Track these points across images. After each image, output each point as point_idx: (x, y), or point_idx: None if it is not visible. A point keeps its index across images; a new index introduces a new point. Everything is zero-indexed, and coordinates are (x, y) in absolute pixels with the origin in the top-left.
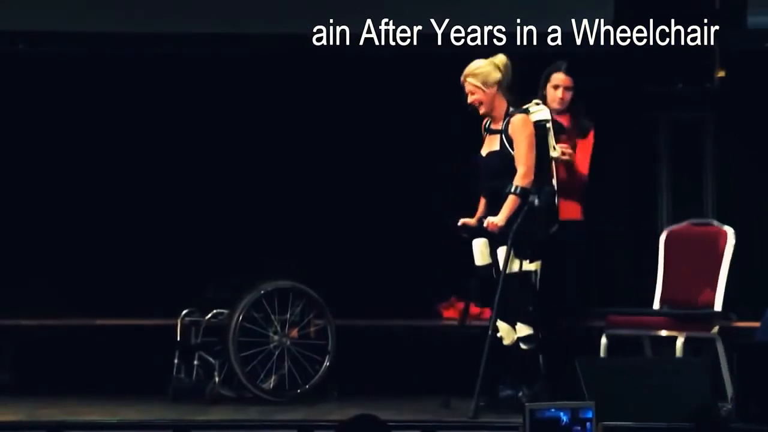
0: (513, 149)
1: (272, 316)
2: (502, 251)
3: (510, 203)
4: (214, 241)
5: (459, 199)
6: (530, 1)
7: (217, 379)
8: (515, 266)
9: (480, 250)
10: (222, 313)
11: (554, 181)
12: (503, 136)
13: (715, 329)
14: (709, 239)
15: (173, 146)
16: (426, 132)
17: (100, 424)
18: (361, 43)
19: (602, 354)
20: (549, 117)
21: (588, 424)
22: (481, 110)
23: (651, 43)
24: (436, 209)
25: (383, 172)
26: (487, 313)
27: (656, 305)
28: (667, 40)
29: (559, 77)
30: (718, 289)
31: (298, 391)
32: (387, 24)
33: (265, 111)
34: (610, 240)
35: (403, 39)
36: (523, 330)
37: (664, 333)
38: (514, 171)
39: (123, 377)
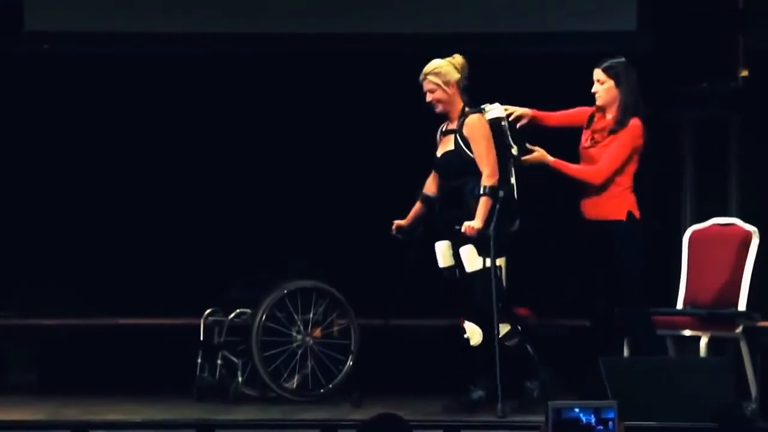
0: (468, 149)
1: (295, 316)
2: (465, 250)
3: (483, 204)
4: (237, 241)
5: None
6: (555, 3)
7: (240, 378)
8: (478, 264)
9: (443, 252)
10: (245, 313)
11: (513, 180)
12: (458, 135)
13: (739, 329)
14: (733, 239)
15: (200, 145)
16: None
17: (124, 424)
18: (371, 41)
19: (626, 354)
20: (503, 115)
21: (610, 423)
22: (439, 108)
23: (675, 42)
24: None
25: (405, 172)
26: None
27: (680, 305)
28: (691, 39)
29: (594, 72)
30: (742, 288)
31: (321, 390)
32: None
33: (288, 110)
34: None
35: (418, 38)
36: (503, 328)
37: (687, 333)
38: (470, 170)
39: (146, 377)
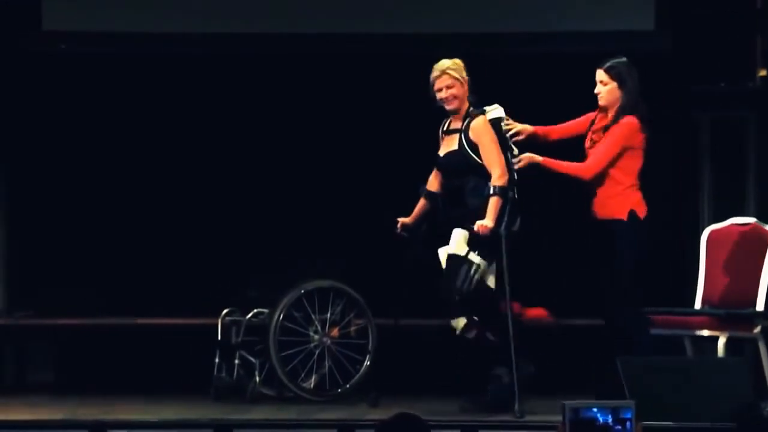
0: (472, 150)
1: (313, 316)
2: (456, 233)
3: (494, 204)
4: (254, 241)
5: None
6: (574, 3)
7: (257, 378)
8: (462, 250)
9: (442, 257)
10: (263, 313)
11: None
12: (463, 135)
13: (758, 329)
14: (751, 239)
15: (218, 146)
16: None
17: (142, 424)
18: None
19: None
20: (503, 115)
21: (628, 423)
22: (452, 105)
23: (693, 42)
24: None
25: (413, 170)
26: (529, 312)
27: (698, 305)
28: (709, 39)
29: (597, 73)
30: (760, 288)
31: (339, 390)
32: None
33: (297, 110)
34: (652, 240)
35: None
36: (459, 323)
37: (705, 333)
38: (472, 170)
39: (164, 376)
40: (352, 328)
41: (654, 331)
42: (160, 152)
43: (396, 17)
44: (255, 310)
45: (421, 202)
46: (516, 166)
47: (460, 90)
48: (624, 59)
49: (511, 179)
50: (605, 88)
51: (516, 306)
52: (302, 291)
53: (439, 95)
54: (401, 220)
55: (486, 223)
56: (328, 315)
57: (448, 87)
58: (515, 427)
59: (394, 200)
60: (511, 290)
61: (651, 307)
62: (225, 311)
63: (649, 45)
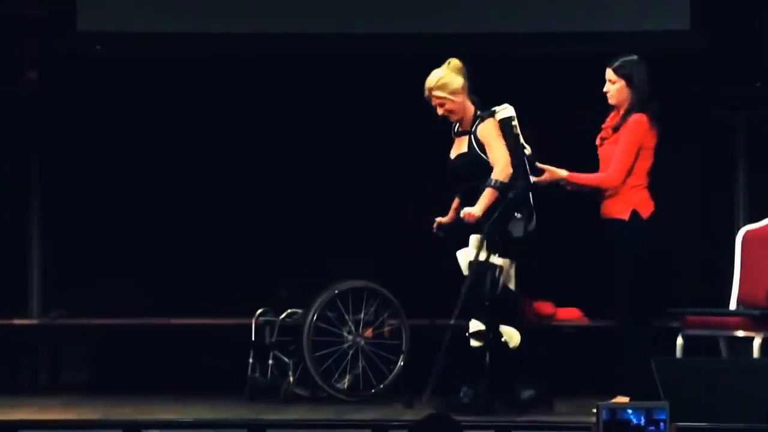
0: (482, 152)
1: (346, 316)
2: (471, 239)
3: (488, 195)
4: (288, 241)
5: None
6: (608, 2)
7: (291, 378)
8: (482, 256)
9: (465, 259)
10: (296, 313)
11: (532, 178)
12: (472, 137)
13: None
14: None
15: (252, 145)
16: None
17: (176, 423)
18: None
19: (678, 354)
20: (513, 115)
21: (662, 424)
22: (453, 118)
23: (728, 42)
24: None
25: (430, 171)
26: (561, 314)
27: (733, 305)
28: (745, 39)
29: (606, 71)
30: None
31: (373, 390)
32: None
33: (335, 112)
34: (686, 240)
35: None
36: (474, 326)
37: (740, 333)
38: (482, 172)
39: (198, 376)
40: (386, 329)
41: (689, 331)
42: (194, 152)
43: (420, 17)
44: (289, 311)
45: (456, 201)
46: (536, 180)
47: (453, 105)
48: (634, 57)
49: (520, 178)
50: (614, 86)
51: (549, 306)
52: (336, 291)
53: (438, 112)
54: (438, 219)
55: (472, 210)
56: (362, 315)
57: (440, 105)
58: (549, 428)
59: (432, 200)
60: (543, 290)
61: (686, 307)
62: (259, 311)
63: (685, 44)
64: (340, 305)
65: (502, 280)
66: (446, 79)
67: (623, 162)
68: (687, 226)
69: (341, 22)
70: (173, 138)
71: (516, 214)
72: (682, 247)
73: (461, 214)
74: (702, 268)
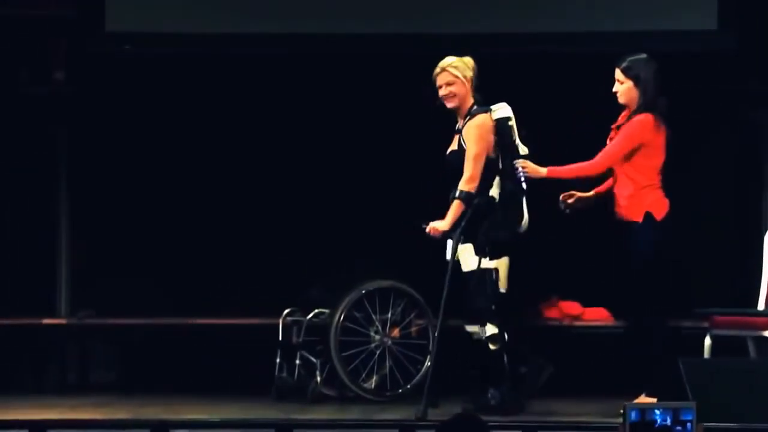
0: None
1: (373, 316)
2: (462, 249)
3: (455, 208)
4: (315, 241)
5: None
6: (636, 3)
7: (318, 378)
8: (473, 264)
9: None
10: (323, 313)
11: (523, 180)
12: (461, 134)
13: None
14: None
15: (277, 146)
16: None
17: (203, 423)
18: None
19: (706, 355)
20: (510, 115)
21: (688, 425)
22: (452, 103)
23: (756, 41)
24: (541, 207)
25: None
26: (588, 314)
27: (761, 305)
28: None
29: (615, 71)
30: None
31: (400, 390)
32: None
33: (365, 112)
34: (715, 239)
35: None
36: (489, 329)
37: None
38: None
39: (225, 376)
40: (413, 329)
41: (717, 331)
42: (222, 152)
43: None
44: (316, 311)
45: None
46: (521, 174)
47: (461, 88)
48: (643, 56)
49: (515, 180)
50: (622, 86)
51: (576, 306)
52: (363, 291)
53: (440, 92)
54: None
55: (438, 225)
56: (389, 315)
57: (448, 84)
58: (574, 428)
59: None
60: (571, 290)
61: (715, 307)
62: (286, 311)
63: (713, 44)
64: (367, 305)
65: (500, 279)
66: (461, 63)
67: (612, 153)
68: (716, 225)
69: (368, 22)
70: (201, 138)
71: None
72: (710, 246)
73: (427, 229)
74: (730, 268)
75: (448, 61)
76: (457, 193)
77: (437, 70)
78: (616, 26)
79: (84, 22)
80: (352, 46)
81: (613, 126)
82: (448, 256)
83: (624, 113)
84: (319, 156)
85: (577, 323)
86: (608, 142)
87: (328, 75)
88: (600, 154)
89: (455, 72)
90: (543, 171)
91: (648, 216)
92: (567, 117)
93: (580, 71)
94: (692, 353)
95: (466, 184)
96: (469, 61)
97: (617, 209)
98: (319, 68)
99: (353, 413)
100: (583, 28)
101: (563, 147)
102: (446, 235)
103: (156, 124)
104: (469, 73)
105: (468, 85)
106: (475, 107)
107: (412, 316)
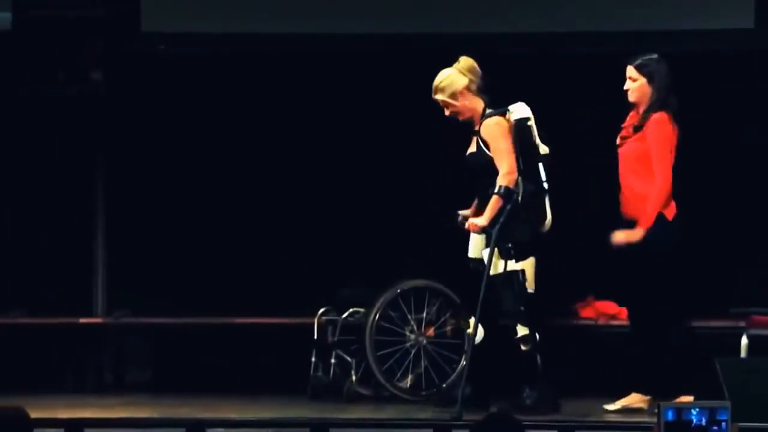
0: (488, 150)
1: (408, 315)
2: (486, 254)
3: (493, 203)
4: (351, 241)
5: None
6: (673, 1)
7: (354, 377)
8: (500, 267)
9: (475, 244)
10: (358, 312)
11: (544, 179)
12: (479, 137)
13: None
14: None
15: (313, 146)
16: None
17: (239, 422)
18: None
19: (743, 354)
20: (529, 115)
21: (723, 424)
22: (462, 118)
23: None
24: (579, 208)
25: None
26: (625, 313)
27: None
28: None
29: (627, 69)
30: None
31: (435, 390)
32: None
33: (398, 112)
34: (752, 239)
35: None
36: (520, 330)
37: None
38: (489, 171)
39: (261, 375)
40: (448, 328)
41: (754, 331)
42: (257, 151)
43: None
44: (351, 310)
45: (477, 199)
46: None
47: (460, 103)
48: (654, 55)
49: (533, 179)
50: (634, 84)
51: (613, 306)
52: (398, 290)
53: (445, 111)
54: (461, 212)
55: (477, 221)
56: (424, 315)
57: (444, 107)
58: (611, 428)
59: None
60: (606, 289)
61: (752, 307)
62: (321, 310)
63: (750, 44)
64: (403, 304)
65: (527, 280)
66: (447, 81)
67: (664, 167)
68: (752, 225)
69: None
70: (237, 137)
71: (522, 215)
72: (747, 246)
73: (466, 225)
74: (765, 268)
75: (435, 83)
76: (496, 189)
77: (432, 94)
78: (655, 26)
79: (120, 23)
80: (397, 46)
81: (624, 125)
82: (470, 253)
83: (633, 113)
84: (355, 156)
85: (613, 322)
86: (618, 141)
87: (368, 74)
88: (657, 175)
89: (441, 97)
90: (638, 234)
91: (660, 217)
92: (590, 117)
93: (613, 71)
94: (729, 353)
95: (503, 178)
96: (463, 66)
97: (627, 209)
98: (359, 68)
99: (388, 412)
100: (616, 27)
101: (585, 147)
102: (484, 230)
103: (192, 123)
104: (460, 85)
105: (463, 98)
106: (488, 110)
107: (447, 315)
